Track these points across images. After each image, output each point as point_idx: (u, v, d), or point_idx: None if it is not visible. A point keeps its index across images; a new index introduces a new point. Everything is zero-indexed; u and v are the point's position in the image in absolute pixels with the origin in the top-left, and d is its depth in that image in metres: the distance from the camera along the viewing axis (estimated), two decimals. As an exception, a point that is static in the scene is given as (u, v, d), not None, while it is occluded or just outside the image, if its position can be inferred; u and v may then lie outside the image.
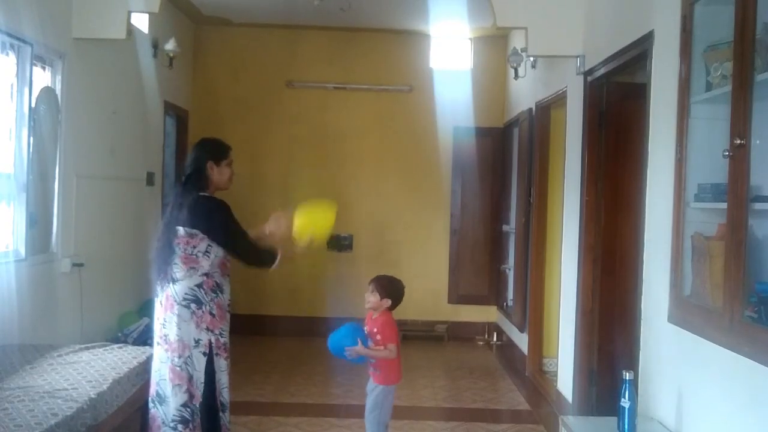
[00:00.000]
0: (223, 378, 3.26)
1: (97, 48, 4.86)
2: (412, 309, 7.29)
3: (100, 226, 5.13)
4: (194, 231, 3.15)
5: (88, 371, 3.41)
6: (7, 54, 3.96)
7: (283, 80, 7.45)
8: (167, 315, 3.20)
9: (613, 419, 2.87)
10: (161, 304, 3.24)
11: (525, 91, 6.35)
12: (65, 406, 2.90)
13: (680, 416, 2.86)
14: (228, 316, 3.32)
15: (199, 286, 3.18)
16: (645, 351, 3.32)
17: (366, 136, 7.49)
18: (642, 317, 3.36)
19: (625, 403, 2.80)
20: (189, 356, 3.17)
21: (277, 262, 3.32)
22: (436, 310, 7.44)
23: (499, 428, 4.65)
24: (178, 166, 7.22)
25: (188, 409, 3.18)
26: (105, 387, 3.24)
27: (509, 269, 6.95)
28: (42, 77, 4.37)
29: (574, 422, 3.14)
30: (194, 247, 3.16)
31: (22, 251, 4.11)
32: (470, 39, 7.52)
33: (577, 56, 4.59)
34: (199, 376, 3.18)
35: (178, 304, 3.16)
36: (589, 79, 4.43)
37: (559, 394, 4.92)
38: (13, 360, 3.50)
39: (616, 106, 4.35)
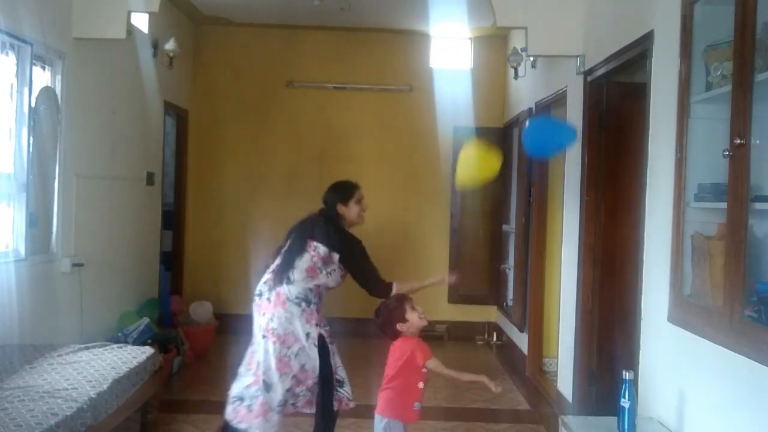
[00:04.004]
0: (336, 359, 3.65)
1: (97, 48, 4.85)
2: (412, 309, 7.31)
3: (100, 226, 5.12)
4: (334, 253, 3.57)
5: (88, 371, 3.41)
6: (7, 54, 3.96)
7: (283, 80, 7.45)
8: (277, 311, 3.54)
9: (613, 419, 2.87)
10: (269, 300, 3.58)
11: (525, 91, 6.35)
12: (65, 406, 2.90)
13: (680, 416, 2.86)
14: None
15: (311, 290, 3.59)
16: (645, 351, 3.32)
17: (366, 136, 7.48)
18: (642, 317, 3.36)
19: (625, 402, 2.80)
20: (301, 348, 3.53)
21: (392, 293, 3.63)
22: (436, 310, 7.40)
23: (499, 428, 4.65)
24: (179, 165, 7.23)
25: (292, 393, 3.53)
26: (105, 387, 3.24)
27: (509, 269, 6.95)
28: (42, 77, 4.37)
29: (574, 422, 3.13)
30: (327, 264, 3.58)
31: (22, 251, 4.11)
32: (470, 39, 7.51)
33: (577, 56, 4.59)
34: (315, 363, 3.53)
35: (290, 301, 3.54)
36: (589, 78, 4.42)
37: (559, 394, 4.92)
38: (13, 360, 3.50)
39: (616, 106, 4.35)
